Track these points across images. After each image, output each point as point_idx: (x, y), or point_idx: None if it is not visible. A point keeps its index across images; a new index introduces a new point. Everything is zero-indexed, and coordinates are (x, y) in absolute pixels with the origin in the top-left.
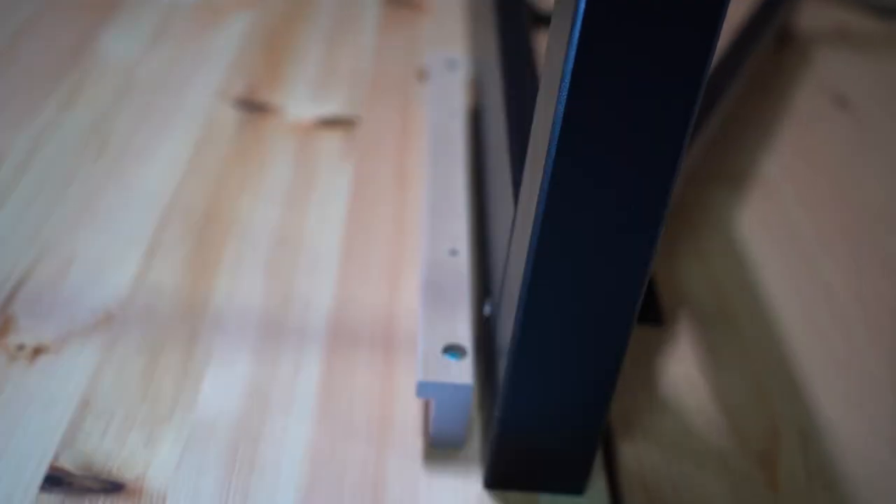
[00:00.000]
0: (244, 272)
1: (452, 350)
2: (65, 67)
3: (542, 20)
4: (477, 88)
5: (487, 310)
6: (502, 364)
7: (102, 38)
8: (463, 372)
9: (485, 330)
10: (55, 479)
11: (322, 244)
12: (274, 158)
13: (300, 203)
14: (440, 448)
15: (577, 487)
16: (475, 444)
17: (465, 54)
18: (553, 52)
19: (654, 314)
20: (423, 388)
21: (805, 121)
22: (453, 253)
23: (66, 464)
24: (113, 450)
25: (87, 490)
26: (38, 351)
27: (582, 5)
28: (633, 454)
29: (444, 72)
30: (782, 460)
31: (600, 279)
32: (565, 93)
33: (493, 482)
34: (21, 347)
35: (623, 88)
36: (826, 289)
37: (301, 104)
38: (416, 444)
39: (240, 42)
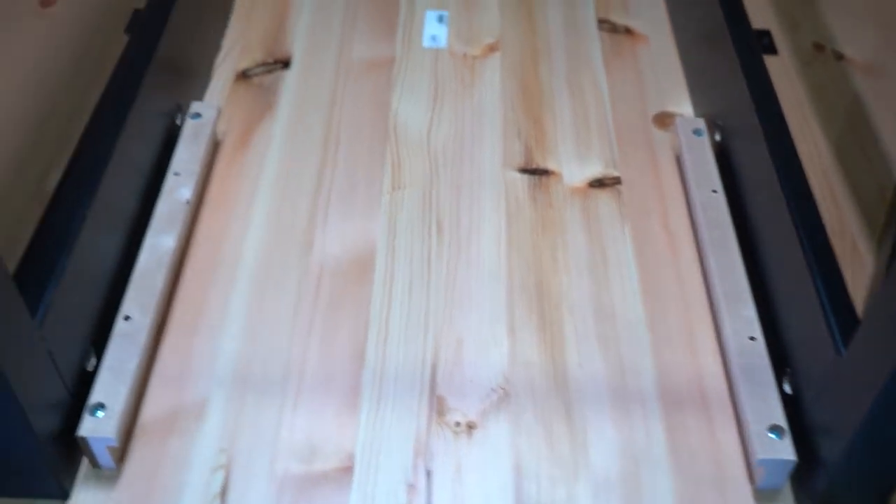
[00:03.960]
0: (583, 345)
1: (775, 430)
2: (377, 146)
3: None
4: (719, 127)
5: (787, 388)
6: (831, 439)
7: (393, 105)
8: (786, 449)
9: (789, 404)
10: None
11: (630, 312)
12: (568, 226)
13: (601, 271)
14: (763, 491)
15: None
16: (786, 488)
17: (688, 86)
18: None
19: None
20: (760, 462)
21: None
22: (752, 339)
23: None
24: None
25: None
26: (470, 427)
27: None
28: None
29: (694, 142)
30: None
31: None
32: None
33: None
34: (458, 424)
35: None
36: None
37: (571, 166)
38: (746, 488)
39: (501, 96)
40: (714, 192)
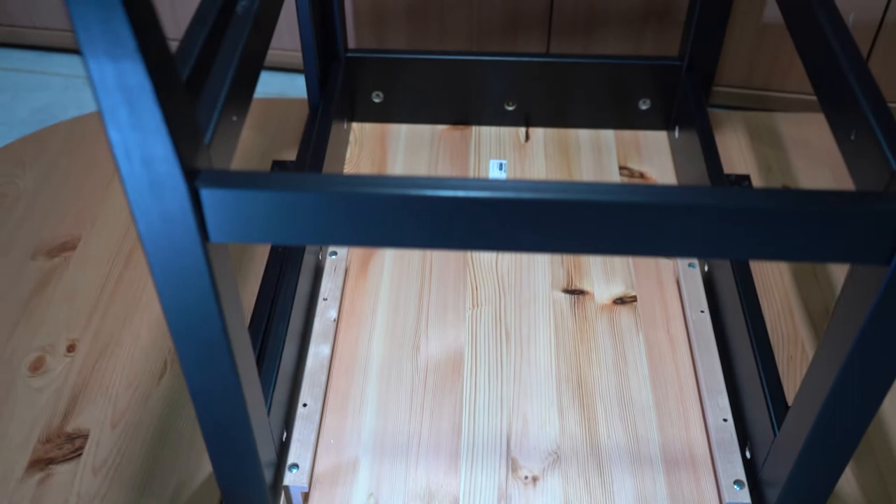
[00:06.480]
0: (610, 423)
1: (738, 483)
2: (459, 273)
3: None
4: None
5: (748, 454)
6: (772, 489)
7: None
8: (745, 496)
9: (748, 466)
10: None
11: (643, 398)
12: (598, 334)
13: (622, 368)
14: None
15: None
16: None
17: None
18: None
19: None
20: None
21: None
22: (725, 420)
23: None
24: None
25: None
26: (535, 479)
27: None
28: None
29: (689, 273)
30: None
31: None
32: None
33: None
34: (527, 477)
35: None
36: None
37: (600, 287)
38: None
39: None
40: (702, 311)
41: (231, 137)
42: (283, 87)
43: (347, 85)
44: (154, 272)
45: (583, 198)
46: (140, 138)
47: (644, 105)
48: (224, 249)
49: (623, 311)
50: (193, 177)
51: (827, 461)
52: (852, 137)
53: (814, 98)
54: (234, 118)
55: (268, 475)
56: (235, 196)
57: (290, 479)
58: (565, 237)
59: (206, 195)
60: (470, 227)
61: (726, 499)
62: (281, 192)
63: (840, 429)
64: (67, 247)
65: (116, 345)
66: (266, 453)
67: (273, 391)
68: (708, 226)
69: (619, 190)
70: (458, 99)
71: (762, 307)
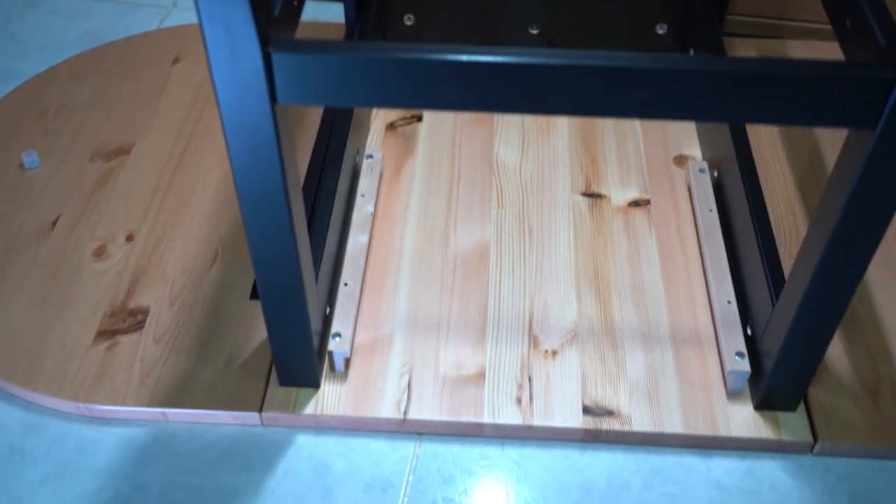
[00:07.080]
0: (624, 306)
1: (739, 354)
2: (486, 177)
3: None
4: (717, 165)
5: (749, 331)
6: (768, 360)
7: (495, 147)
8: (745, 365)
9: (748, 341)
10: (587, 409)
11: (654, 286)
12: (614, 232)
13: (636, 261)
14: (733, 392)
15: (793, 407)
16: (745, 391)
17: (698, 136)
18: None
19: None
20: (730, 373)
21: None
22: (728, 302)
23: (592, 405)
24: (608, 399)
25: (606, 415)
26: (554, 353)
27: None
28: (814, 392)
29: (699, 178)
30: (882, 394)
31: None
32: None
33: (757, 407)
34: (546, 351)
35: None
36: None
37: (616, 191)
38: (722, 390)
39: (568, 142)
40: (710, 210)
41: (293, 17)
42: (315, 12)
43: (382, 7)
44: (227, 131)
45: (605, 63)
46: (224, 8)
47: (661, 30)
48: (289, 112)
49: (637, 212)
50: (266, 42)
51: (816, 328)
52: (848, 24)
53: (824, 27)
54: (296, 2)
55: (314, 343)
56: (303, 60)
57: (333, 345)
58: (592, 100)
59: (277, 59)
60: (506, 88)
61: (728, 367)
62: (344, 58)
63: (828, 296)
64: (122, 151)
65: (171, 236)
66: (314, 322)
67: (319, 269)
68: (714, 90)
69: (636, 58)
70: (484, 21)
71: (767, 210)
